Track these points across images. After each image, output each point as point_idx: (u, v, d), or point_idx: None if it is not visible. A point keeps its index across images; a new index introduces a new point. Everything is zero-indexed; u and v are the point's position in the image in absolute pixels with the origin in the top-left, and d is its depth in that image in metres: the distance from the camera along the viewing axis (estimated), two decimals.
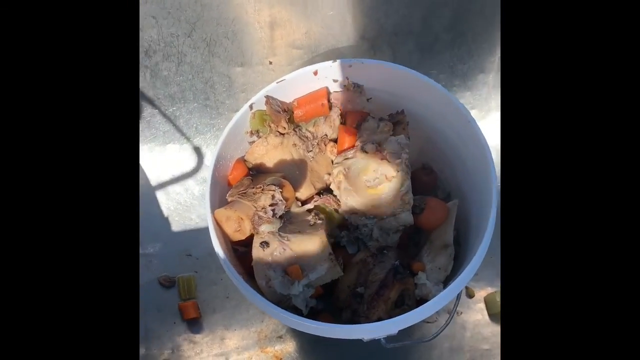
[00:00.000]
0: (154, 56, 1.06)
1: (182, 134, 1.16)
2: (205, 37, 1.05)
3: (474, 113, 1.21)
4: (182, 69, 1.09)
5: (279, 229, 0.78)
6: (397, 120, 0.90)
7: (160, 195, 1.18)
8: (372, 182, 0.82)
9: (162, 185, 1.19)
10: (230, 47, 1.07)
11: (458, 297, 1.00)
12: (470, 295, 1.12)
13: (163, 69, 1.08)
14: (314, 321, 0.72)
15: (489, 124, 1.22)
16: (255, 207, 0.76)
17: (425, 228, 0.87)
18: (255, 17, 1.03)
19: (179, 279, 1.11)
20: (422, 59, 1.14)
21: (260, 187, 0.77)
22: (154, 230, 1.16)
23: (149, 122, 1.14)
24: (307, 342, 1.05)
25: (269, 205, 0.76)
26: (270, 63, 1.11)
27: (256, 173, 0.91)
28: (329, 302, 0.85)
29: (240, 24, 1.04)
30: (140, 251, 1.13)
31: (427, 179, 1.00)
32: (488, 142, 0.83)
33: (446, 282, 0.81)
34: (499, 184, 0.82)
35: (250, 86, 1.13)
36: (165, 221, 1.19)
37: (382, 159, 0.83)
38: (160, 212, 1.18)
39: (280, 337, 1.07)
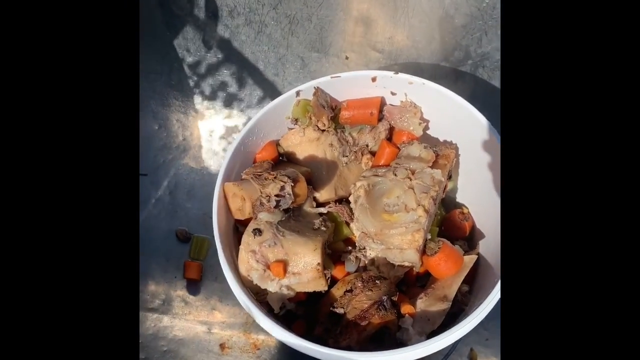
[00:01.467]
0: (236, 18, 1.06)
1: (239, 100, 1.16)
2: (289, 14, 1.04)
3: None
4: (260, 39, 1.08)
5: (279, 222, 0.75)
6: (443, 154, 0.83)
7: (204, 153, 1.19)
8: (391, 207, 0.77)
9: (209, 144, 1.20)
10: (311, 30, 1.05)
11: (447, 356, 0.93)
12: (473, 359, 1.04)
13: (242, 33, 1.08)
14: (268, 320, 0.69)
15: None
16: (261, 192, 0.74)
17: (432, 272, 0.81)
18: (342, 7, 1.00)
19: (194, 238, 1.12)
20: None
21: (274, 175, 0.74)
22: (190, 183, 1.18)
23: (215, 80, 1.15)
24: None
25: (275, 195, 0.73)
26: (347, 58, 1.08)
27: (286, 160, 0.88)
28: (311, 311, 0.82)
29: (326, 10, 1.01)
30: (171, 200, 1.15)
31: (460, 224, 0.92)
32: None
33: (431, 336, 0.74)
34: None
35: (320, 74, 1.10)
36: (204, 179, 1.20)
37: (409, 188, 0.78)
38: (202, 169, 1.19)
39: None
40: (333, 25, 1.03)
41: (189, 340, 1.03)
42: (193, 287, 1.09)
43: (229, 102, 1.17)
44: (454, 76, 1.05)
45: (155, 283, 1.08)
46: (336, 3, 1.00)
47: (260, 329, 1.04)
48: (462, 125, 0.83)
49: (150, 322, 1.05)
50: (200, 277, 1.10)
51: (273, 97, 1.14)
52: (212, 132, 1.20)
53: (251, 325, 1.05)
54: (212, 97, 1.17)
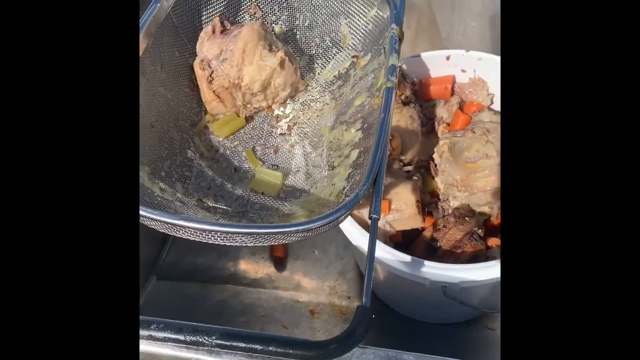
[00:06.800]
0: None
1: None
2: None
3: None
4: None
5: None
6: None
7: None
8: (472, 159, 0.91)
9: None
10: None
11: None
12: None
13: None
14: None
15: None
16: None
17: None
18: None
19: None
20: None
21: None
22: None
23: None
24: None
25: None
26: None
27: None
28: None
29: None
30: None
31: None
32: None
33: None
34: None
35: None
36: None
37: (487, 142, 0.91)
38: None
39: (349, 297, 1.16)
40: None
41: (280, 308, 1.14)
42: (279, 265, 1.21)
43: None
44: None
45: (246, 263, 1.21)
46: None
47: (344, 297, 1.17)
48: None
49: (246, 294, 1.16)
50: (285, 256, 1.22)
51: None
52: None
53: (335, 296, 1.17)
54: None
